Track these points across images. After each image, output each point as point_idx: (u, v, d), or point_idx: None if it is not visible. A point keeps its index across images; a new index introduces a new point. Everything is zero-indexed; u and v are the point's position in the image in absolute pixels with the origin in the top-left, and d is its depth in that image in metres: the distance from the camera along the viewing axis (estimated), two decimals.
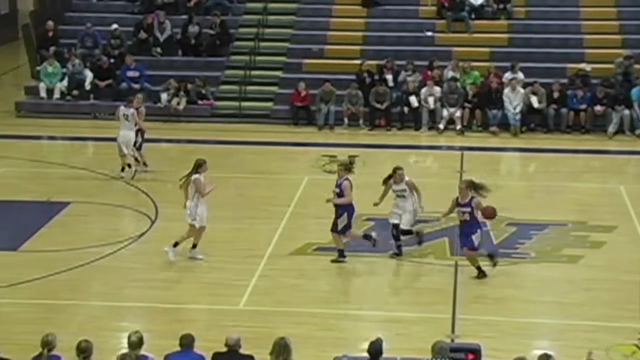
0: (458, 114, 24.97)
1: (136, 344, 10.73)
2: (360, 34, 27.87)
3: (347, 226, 16.47)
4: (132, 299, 15.22)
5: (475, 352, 11.50)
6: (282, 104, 25.87)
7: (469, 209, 15.84)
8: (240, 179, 21.01)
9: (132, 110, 20.43)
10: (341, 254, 16.55)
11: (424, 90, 25.21)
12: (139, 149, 20.74)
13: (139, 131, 20.68)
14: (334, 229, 16.50)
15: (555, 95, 25.08)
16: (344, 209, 16.41)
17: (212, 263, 16.50)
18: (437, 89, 25.15)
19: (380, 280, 16.13)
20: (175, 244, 16.44)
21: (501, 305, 15.03)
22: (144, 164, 20.76)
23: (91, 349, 10.65)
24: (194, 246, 16.64)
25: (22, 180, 20.07)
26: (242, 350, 11.07)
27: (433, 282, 15.89)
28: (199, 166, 16.46)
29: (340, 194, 16.38)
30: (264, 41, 27.72)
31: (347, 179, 16.40)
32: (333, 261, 16.50)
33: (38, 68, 26.91)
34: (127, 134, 20.41)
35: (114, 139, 20.62)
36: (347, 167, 16.59)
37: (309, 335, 13.81)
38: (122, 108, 20.65)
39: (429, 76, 25.64)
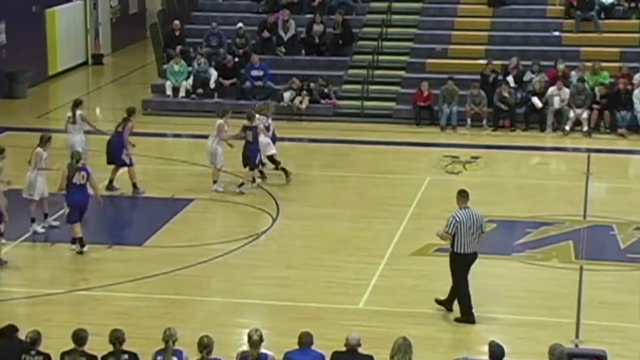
0: (585, 115, 24.42)
1: (257, 342, 10.78)
2: (485, 33, 27.55)
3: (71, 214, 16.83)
4: (253, 296, 15.33)
5: (601, 357, 11.23)
6: (404, 103, 25.75)
7: None
8: (360, 179, 20.99)
9: (218, 121, 19.94)
10: (76, 241, 16.82)
11: (550, 90, 24.75)
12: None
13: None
14: None
15: None
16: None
17: (332, 262, 16.51)
18: (566, 90, 24.64)
19: (502, 282, 15.88)
20: (32, 220, 17.56)
21: (627, 311, 14.64)
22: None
23: (212, 345, 10.75)
24: (32, 220, 17.54)
25: (147, 176, 20.42)
26: (361, 350, 11.03)
27: (557, 286, 15.57)
28: (46, 140, 17.64)
29: None
30: (388, 41, 27.63)
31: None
32: (78, 252, 16.79)
33: (164, 67, 27.36)
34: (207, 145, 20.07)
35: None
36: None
37: (428, 336, 13.71)
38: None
39: (556, 76, 25.15)
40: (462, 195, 14.27)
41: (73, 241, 16.88)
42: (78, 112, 19.85)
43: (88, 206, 17.04)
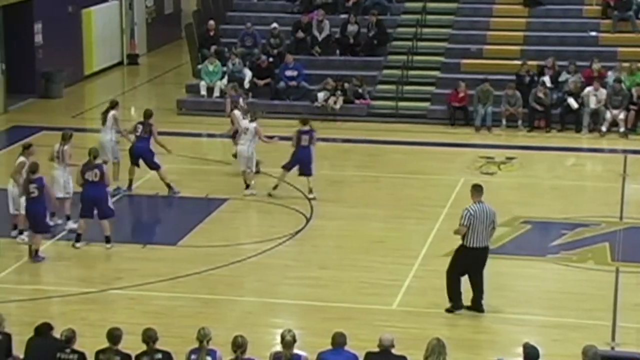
0: (622, 116, 24.22)
1: (290, 343, 10.79)
2: (521, 33, 27.39)
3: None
4: (286, 296, 15.34)
5: None
6: (439, 104, 25.65)
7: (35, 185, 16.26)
8: (394, 179, 20.93)
9: (253, 124, 19.57)
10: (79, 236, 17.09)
11: (586, 90, 24.56)
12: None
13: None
14: None
15: None
16: None
17: (365, 262, 16.47)
18: (603, 91, 24.44)
19: (538, 284, 15.78)
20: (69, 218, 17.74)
21: None
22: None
23: (246, 345, 10.76)
24: (68, 218, 17.74)
25: (181, 176, 20.47)
26: (394, 351, 10.99)
27: (592, 288, 15.46)
28: (69, 137, 17.84)
29: None
30: (422, 41, 27.54)
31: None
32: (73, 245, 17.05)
33: (199, 67, 27.43)
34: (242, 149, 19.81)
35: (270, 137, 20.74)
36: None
37: (462, 337, 13.66)
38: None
39: (592, 77, 24.95)
40: (477, 189, 14.38)
41: (107, 240, 16.96)
42: (112, 112, 19.86)
43: (106, 202, 16.97)
